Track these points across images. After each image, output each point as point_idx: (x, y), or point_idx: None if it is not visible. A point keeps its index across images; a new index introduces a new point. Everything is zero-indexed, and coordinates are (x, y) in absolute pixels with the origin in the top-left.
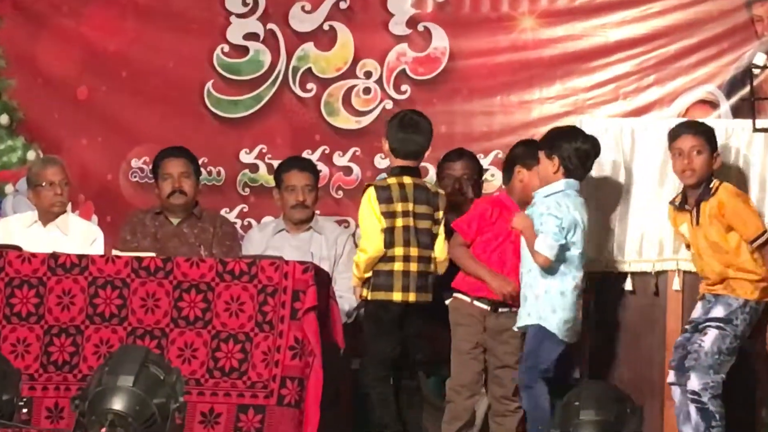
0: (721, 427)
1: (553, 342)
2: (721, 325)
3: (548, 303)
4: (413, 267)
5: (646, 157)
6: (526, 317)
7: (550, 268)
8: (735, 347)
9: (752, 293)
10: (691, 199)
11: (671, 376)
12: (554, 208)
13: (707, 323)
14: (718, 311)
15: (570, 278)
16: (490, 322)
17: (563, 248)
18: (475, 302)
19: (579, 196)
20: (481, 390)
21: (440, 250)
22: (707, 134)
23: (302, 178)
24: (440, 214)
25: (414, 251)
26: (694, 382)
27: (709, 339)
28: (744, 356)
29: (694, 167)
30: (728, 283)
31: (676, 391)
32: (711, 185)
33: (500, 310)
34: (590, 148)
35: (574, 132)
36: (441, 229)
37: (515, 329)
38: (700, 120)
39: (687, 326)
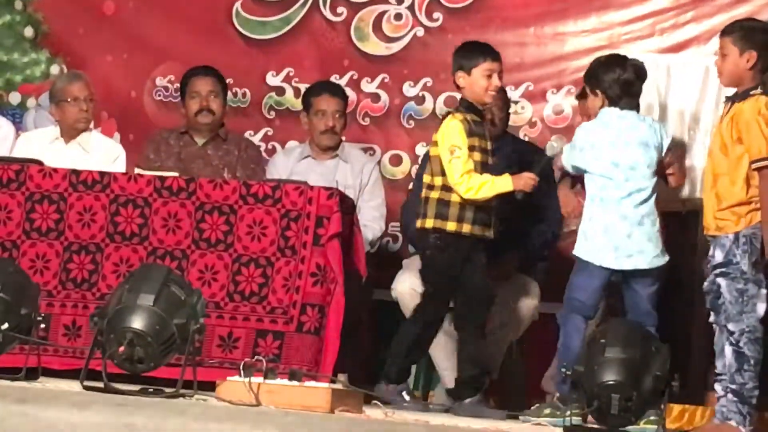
0: (753, 372)
1: (590, 275)
2: (724, 270)
3: (581, 231)
4: None
5: (681, 95)
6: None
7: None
8: (752, 280)
9: (737, 223)
10: (732, 97)
11: (711, 316)
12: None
13: (714, 271)
14: (718, 256)
15: (600, 202)
16: None
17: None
18: None
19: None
20: None
21: None
22: (732, 34)
23: (333, 103)
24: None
25: None
26: (731, 326)
27: (724, 290)
28: None
29: (721, 69)
30: (717, 224)
31: (715, 328)
32: (752, 91)
33: None
34: (632, 75)
35: (614, 61)
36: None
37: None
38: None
39: (705, 266)
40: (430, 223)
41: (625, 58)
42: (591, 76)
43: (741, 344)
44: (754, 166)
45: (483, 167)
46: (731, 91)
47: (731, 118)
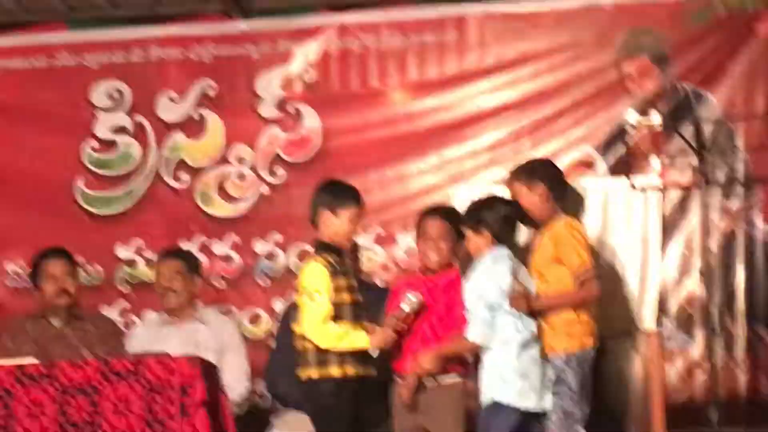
0: None
1: (507, 418)
2: (554, 390)
3: (499, 376)
4: None
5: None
6: (482, 395)
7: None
8: (578, 400)
9: (570, 344)
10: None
11: None
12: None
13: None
14: (549, 373)
15: (516, 345)
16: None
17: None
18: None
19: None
20: None
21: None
22: (518, 177)
23: (170, 264)
24: None
25: None
26: None
27: (553, 409)
28: None
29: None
30: (546, 342)
31: None
32: (553, 217)
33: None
34: (513, 211)
35: (492, 200)
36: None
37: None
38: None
39: None
40: (315, 373)
41: (498, 197)
42: (472, 216)
43: None
44: (580, 279)
45: (355, 308)
46: None
47: (544, 244)
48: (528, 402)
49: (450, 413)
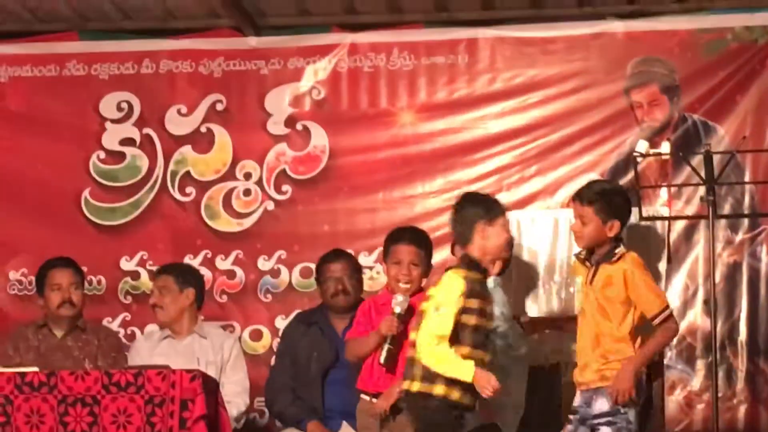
0: None
1: None
2: (611, 419)
3: None
4: None
5: (532, 248)
6: None
7: None
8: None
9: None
10: (594, 257)
11: None
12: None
13: (595, 420)
14: (602, 404)
15: None
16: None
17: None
18: (374, 399)
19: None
20: None
21: None
22: (593, 204)
23: (160, 280)
24: None
25: None
26: None
27: None
28: None
29: (582, 234)
30: (603, 374)
31: None
32: (616, 250)
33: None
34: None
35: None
36: None
37: None
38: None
39: (571, 416)
40: (417, 386)
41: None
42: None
43: None
44: (657, 320)
45: (477, 333)
46: None
47: (607, 280)
48: None
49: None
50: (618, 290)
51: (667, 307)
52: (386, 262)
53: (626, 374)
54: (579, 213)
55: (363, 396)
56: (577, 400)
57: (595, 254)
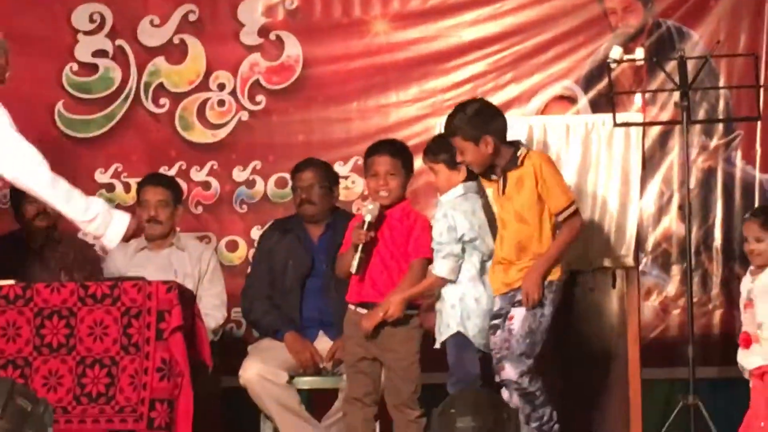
0: (546, 404)
1: (473, 350)
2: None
3: (464, 310)
4: None
5: None
6: (446, 329)
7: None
8: (545, 329)
9: (554, 273)
10: (497, 168)
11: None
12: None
13: (514, 306)
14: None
15: (481, 283)
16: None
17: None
18: (358, 308)
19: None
20: (376, 400)
21: None
22: (457, 134)
23: (154, 193)
24: None
25: None
26: (509, 372)
27: (517, 321)
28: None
29: (469, 162)
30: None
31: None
32: (518, 153)
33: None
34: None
35: None
36: None
37: (437, 347)
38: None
39: (492, 321)
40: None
41: None
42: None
43: (525, 385)
44: (561, 216)
45: None
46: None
47: (516, 183)
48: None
49: (405, 345)
50: (530, 190)
51: (573, 203)
52: (366, 178)
53: (532, 278)
54: (459, 150)
55: (350, 306)
56: (498, 305)
57: (496, 166)
